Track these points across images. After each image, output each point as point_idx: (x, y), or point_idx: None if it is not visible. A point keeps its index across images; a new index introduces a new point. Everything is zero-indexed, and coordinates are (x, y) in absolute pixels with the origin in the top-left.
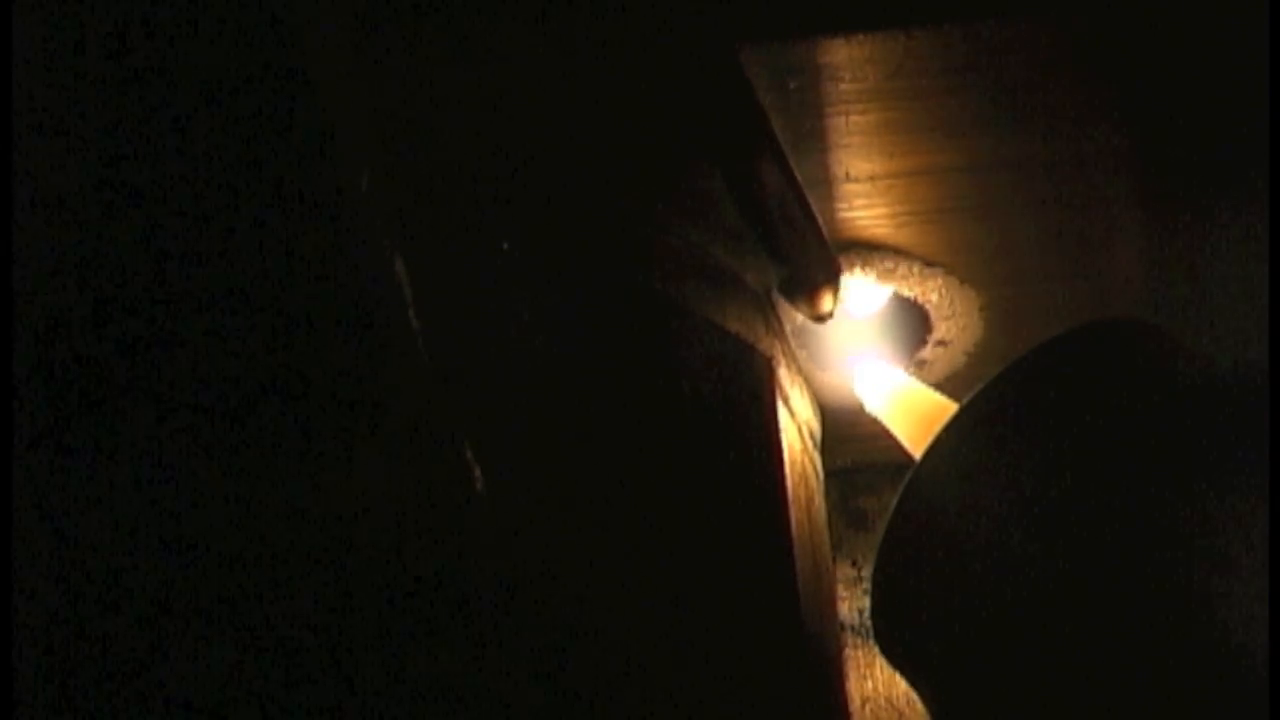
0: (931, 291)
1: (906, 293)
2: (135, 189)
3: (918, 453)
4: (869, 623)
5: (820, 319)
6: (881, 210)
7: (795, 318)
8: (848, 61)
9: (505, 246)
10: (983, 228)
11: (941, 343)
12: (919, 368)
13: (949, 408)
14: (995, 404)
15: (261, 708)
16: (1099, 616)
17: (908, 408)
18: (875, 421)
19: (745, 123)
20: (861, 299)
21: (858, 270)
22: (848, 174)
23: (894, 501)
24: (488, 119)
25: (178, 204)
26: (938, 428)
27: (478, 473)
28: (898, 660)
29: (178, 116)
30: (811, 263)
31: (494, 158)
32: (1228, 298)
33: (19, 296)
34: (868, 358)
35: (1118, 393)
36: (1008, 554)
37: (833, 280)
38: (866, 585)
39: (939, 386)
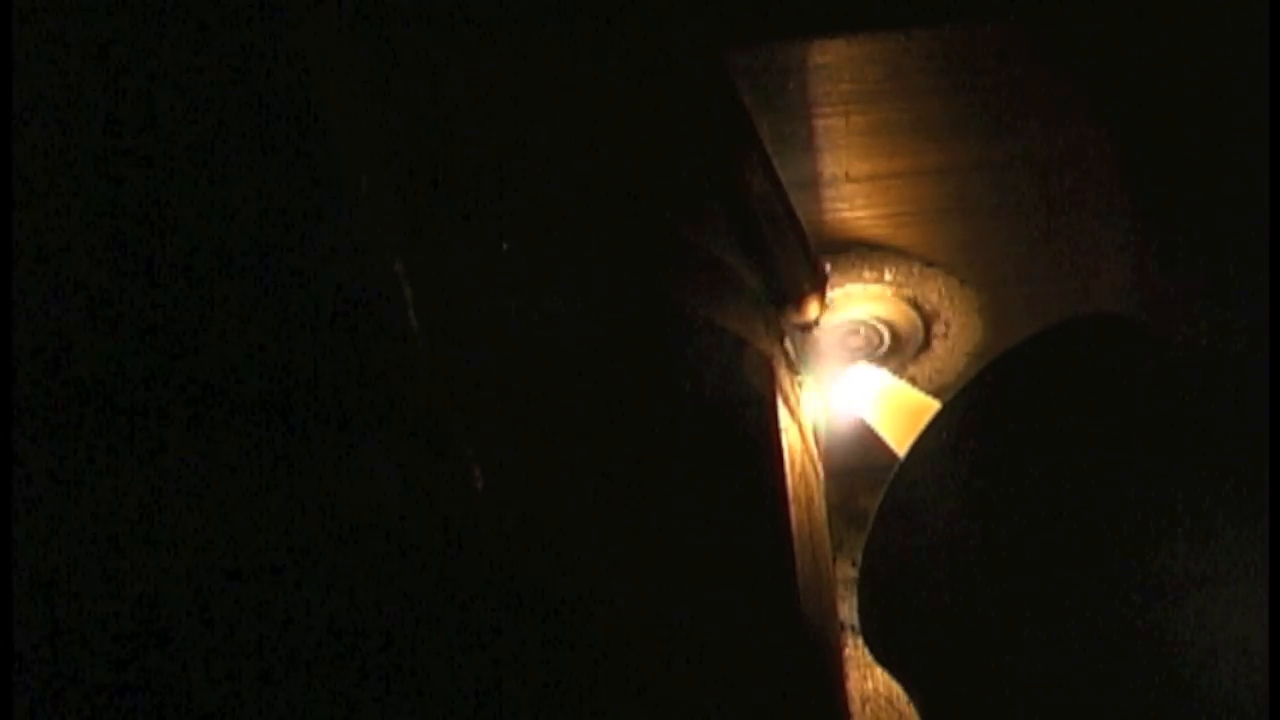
0: (931, 292)
1: (906, 293)
2: (135, 192)
3: (902, 451)
4: None
5: (806, 327)
6: (881, 210)
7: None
8: (847, 62)
9: (505, 247)
10: (982, 227)
11: (941, 343)
12: (919, 368)
13: (932, 406)
14: (976, 402)
15: (264, 707)
16: (1080, 611)
17: (892, 408)
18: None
19: (729, 130)
20: (860, 300)
21: (856, 270)
22: (847, 174)
23: (878, 500)
24: (488, 120)
25: (176, 208)
26: (922, 425)
27: (478, 473)
28: (884, 658)
29: (177, 119)
30: (797, 270)
31: (494, 159)
32: (1227, 294)
33: (19, 300)
34: (854, 359)
35: (1097, 387)
36: (990, 550)
37: (818, 288)
38: None
39: (939, 387)
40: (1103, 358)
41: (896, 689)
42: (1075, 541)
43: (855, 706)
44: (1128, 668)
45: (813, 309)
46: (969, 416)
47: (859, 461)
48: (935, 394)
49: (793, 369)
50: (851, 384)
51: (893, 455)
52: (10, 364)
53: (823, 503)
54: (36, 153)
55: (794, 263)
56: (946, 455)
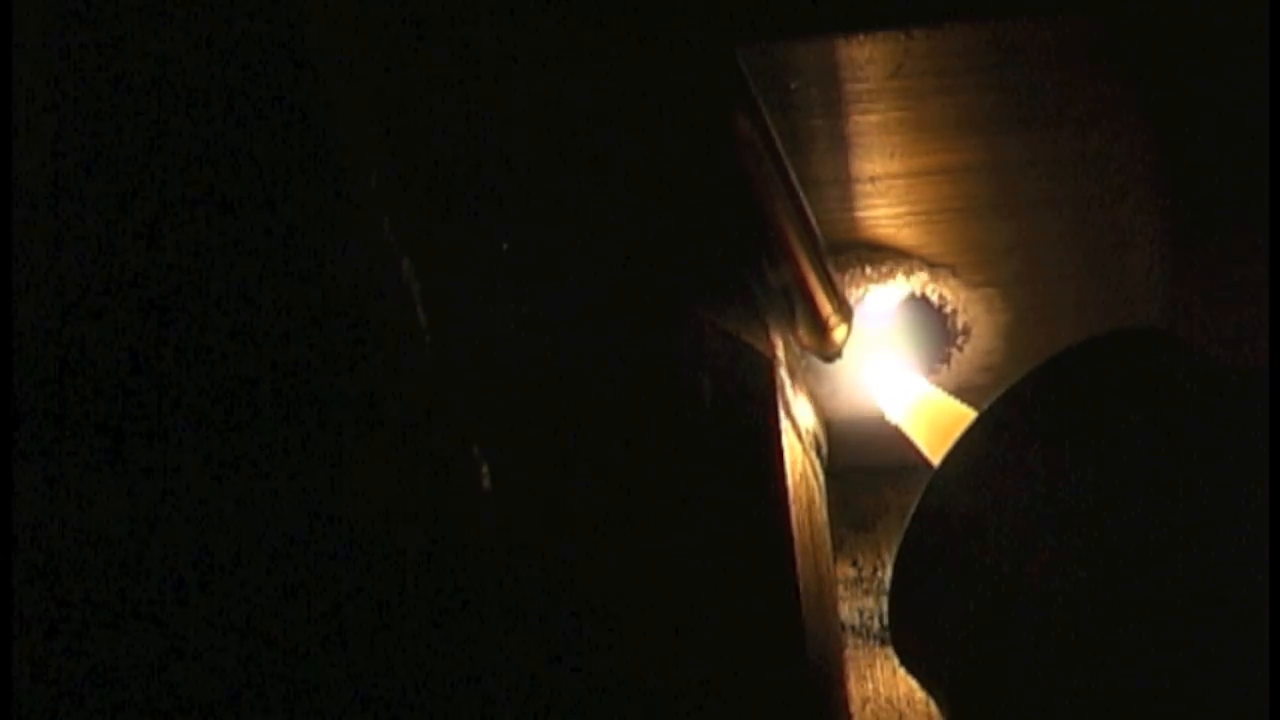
0: (933, 293)
1: (908, 295)
2: (135, 188)
3: (936, 459)
4: (870, 623)
5: (829, 358)
6: (882, 211)
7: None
8: (848, 62)
9: (504, 248)
10: (986, 228)
11: (951, 344)
12: (931, 371)
13: (967, 415)
14: (1014, 411)
15: (268, 707)
16: (1117, 622)
17: (926, 414)
18: (877, 421)
19: (746, 148)
20: (867, 301)
21: (861, 271)
22: (849, 175)
23: (912, 508)
24: (493, 119)
25: (179, 203)
26: (956, 434)
27: (485, 469)
28: (914, 666)
29: (181, 113)
30: (820, 301)
31: (498, 158)
32: (1245, 297)
33: (20, 301)
34: (885, 362)
35: (1136, 401)
36: (1026, 561)
37: (845, 320)
38: (867, 585)
39: (949, 388)
40: (1140, 371)
41: (897, 690)
42: (1111, 554)
43: (855, 707)
44: (1162, 681)
45: (838, 337)
46: (1005, 426)
47: (859, 461)
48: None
49: (794, 369)
50: (885, 389)
51: (903, 454)
52: (10, 365)
53: (823, 503)
54: (38, 149)
55: (817, 294)
56: (982, 464)
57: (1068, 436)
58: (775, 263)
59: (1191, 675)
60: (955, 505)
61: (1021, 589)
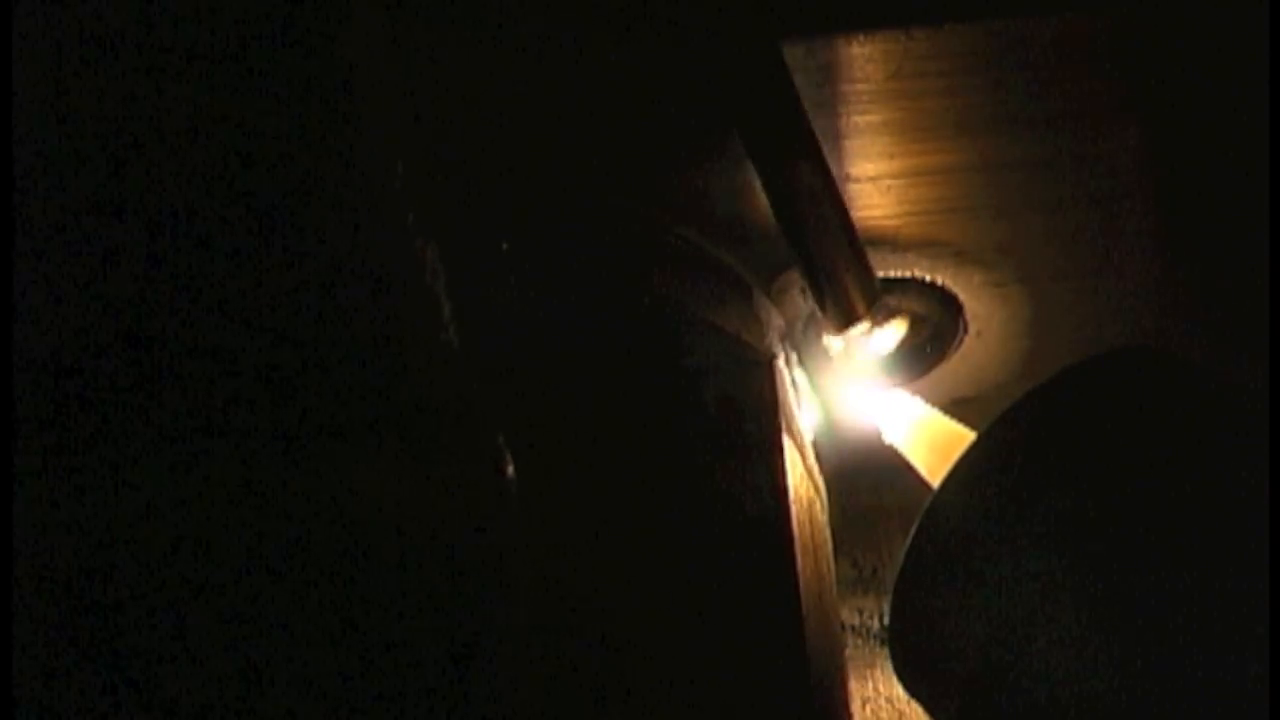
0: (934, 296)
1: (907, 297)
2: (151, 179)
3: (935, 481)
4: (870, 623)
5: (848, 328)
6: (881, 211)
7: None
8: (848, 62)
9: (505, 247)
10: (984, 228)
11: (951, 346)
12: (937, 371)
13: (966, 436)
14: (1013, 432)
15: (267, 709)
16: (1120, 641)
17: (926, 437)
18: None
19: (784, 122)
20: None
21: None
22: (849, 175)
23: (911, 530)
24: (503, 118)
25: (198, 196)
26: (955, 455)
27: (486, 471)
28: (915, 688)
29: (203, 106)
30: (846, 274)
31: (507, 158)
32: (1244, 296)
33: (21, 300)
34: (884, 384)
35: (1134, 421)
36: (1027, 582)
37: (866, 296)
38: (867, 585)
39: (946, 390)
40: (1137, 391)
41: (897, 689)
42: (1111, 570)
43: (855, 706)
44: (1166, 693)
45: (860, 311)
46: (1004, 449)
47: (859, 461)
48: (953, 398)
49: (795, 370)
50: (884, 411)
51: (902, 455)
52: (10, 364)
53: (824, 503)
54: (40, 142)
55: (843, 266)
56: (981, 487)
57: (1067, 457)
58: (797, 237)
59: (1194, 686)
60: (956, 528)
61: (1025, 609)
